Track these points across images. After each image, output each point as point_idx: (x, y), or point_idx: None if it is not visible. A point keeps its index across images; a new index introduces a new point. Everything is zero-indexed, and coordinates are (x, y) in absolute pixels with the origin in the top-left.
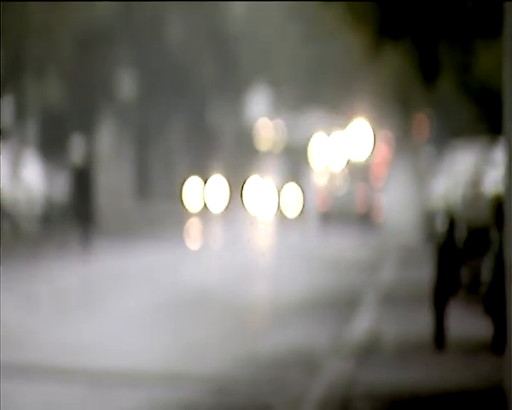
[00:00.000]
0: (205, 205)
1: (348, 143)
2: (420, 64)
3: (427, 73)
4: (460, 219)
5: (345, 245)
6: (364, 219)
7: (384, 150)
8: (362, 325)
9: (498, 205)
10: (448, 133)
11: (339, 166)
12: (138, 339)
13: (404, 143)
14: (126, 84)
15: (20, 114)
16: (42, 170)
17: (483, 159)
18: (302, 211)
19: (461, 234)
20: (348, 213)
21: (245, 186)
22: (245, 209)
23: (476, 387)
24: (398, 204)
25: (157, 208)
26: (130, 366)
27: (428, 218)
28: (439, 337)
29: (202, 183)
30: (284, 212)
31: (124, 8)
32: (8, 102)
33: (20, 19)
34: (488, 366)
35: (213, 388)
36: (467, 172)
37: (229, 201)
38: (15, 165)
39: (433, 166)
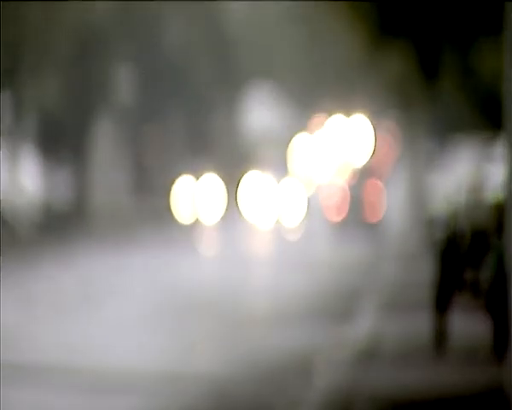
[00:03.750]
0: (197, 212)
1: (349, 141)
2: (420, 61)
3: (427, 69)
4: (462, 221)
5: (349, 251)
6: (374, 225)
7: (387, 146)
8: (361, 330)
9: (499, 210)
10: (449, 128)
11: (344, 168)
12: (132, 341)
13: (403, 140)
14: (124, 83)
15: (18, 114)
16: (39, 172)
17: (484, 156)
18: (305, 217)
19: (463, 237)
20: (359, 220)
21: (241, 185)
22: (241, 214)
23: (477, 390)
24: (398, 205)
25: (154, 207)
26: (128, 368)
27: (430, 220)
28: (440, 341)
29: (195, 184)
30: (284, 218)
31: (122, 9)
32: (5, 103)
33: (17, 18)
34: (489, 369)
35: (213, 389)
36: (468, 171)
37: (225, 204)
38: (13, 167)
39: (433, 164)
